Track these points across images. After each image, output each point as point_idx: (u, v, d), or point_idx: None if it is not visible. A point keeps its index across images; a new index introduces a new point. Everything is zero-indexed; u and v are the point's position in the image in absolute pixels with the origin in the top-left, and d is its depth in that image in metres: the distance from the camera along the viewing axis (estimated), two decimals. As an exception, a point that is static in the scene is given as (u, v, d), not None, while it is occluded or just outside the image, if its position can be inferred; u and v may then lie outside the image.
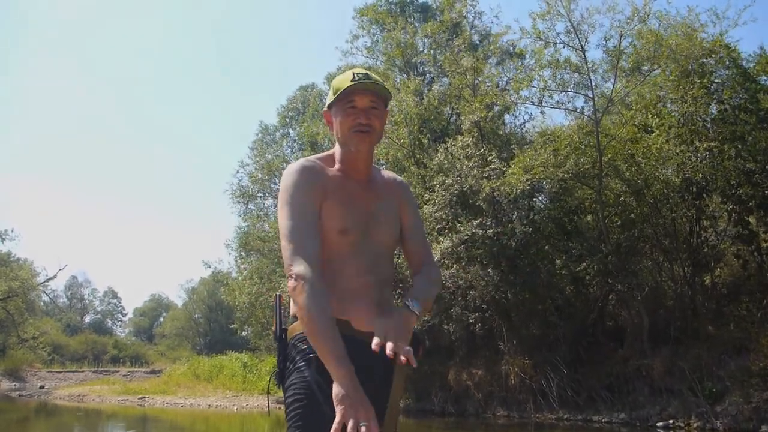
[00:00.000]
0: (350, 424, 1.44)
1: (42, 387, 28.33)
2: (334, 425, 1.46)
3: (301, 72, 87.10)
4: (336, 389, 1.51)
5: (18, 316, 33.37)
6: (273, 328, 1.83)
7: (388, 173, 2.05)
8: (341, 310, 1.74)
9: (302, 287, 1.62)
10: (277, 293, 1.85)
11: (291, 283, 1.64)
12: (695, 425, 9.89)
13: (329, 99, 1.88)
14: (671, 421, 10.26)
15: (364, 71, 1.85)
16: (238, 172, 26.73)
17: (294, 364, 1.71)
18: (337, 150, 1.91)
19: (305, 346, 1.71)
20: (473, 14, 20.16)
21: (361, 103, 1.82)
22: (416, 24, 21.12)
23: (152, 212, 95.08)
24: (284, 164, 23.00)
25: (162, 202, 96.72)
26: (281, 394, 1.77)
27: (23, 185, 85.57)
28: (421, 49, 20.51)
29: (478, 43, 19.58)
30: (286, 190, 1.78)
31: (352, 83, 1.80)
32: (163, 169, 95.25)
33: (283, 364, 1.76)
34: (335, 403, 1.49)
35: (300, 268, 1.64)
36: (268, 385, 1.81)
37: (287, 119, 27.45)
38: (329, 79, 24.43)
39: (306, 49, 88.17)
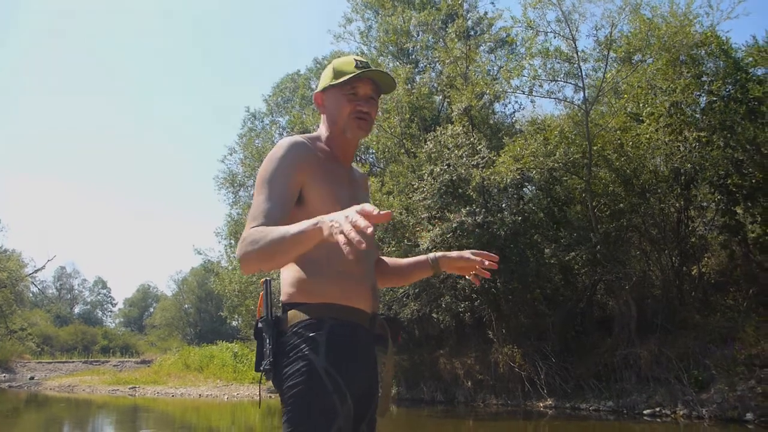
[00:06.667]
0: (353, 212, 1.33)
1: (32, 378, 28.22)
2: (335, 225, 1.34)
3: (288, 58, 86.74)
4: (318, 221, 1.41)
5: (6, 307, 33.21)
6: (259, 315, 1.76)
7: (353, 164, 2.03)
8: (345, 295, 1.73)
9: (250, 230, 1.58)
10: (266, 278, 1.78)
11: (242, 235, 1.59)
12: (681, 413, 9.99)
13: (326, 81, 1.84)
14: (658, 409, 10.35)
15: (363, 59, 1.82)
16: (225, 158, 26.65)
17: (296, 353, 1.65)
18: (323, 134, 1.87)
19: (312, 334, 1.66)
20: (471, 3, 20.00)
21: (363, 91, 1.81)
22: (412, 9, 20.80)
23: (141, 202, 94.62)
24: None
25: (151, 191, 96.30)
26: (271, 383, 1.70)
27: (10, 177, 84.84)
28: (415, 35, 20.34)
29: (472, 30, 19.36)
30: (270, 163, 1.72)
31: (359, 71, 1.77)
32: (152, 159, 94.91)
33: (274, 352, 1.68)
34: (326, 226, 1.38)
35: (255, 223, 1.61)
36: (261, 376, 1.74)
37: (275, 106, 27.27)
38: (319, 64, 24.26)
39: (293, 35, 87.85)
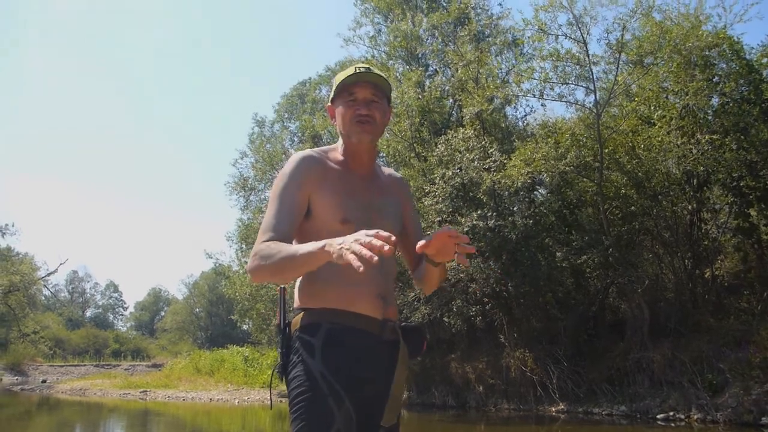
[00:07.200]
0: (363, 235, 1.43)
1: (44, 381, 28.42)
2: (347, 250, 1.42)
3: (288, 57, 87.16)
4: (326, 244, 1.51)
5: (19, 310, 33.50)
6: (277, 321, 1.84)
7: (387, 170, 2.07)
8: (345, 300, 1.75)
9: (261, 244, 1.69)
10: (282, 286, 1.85)
11: (254, 248, 1.69)
12: (695, 417, 9.90)
13: (332, 94, 1.91)
14: (672, 414, 10.26)
15: (366, 65, 1.87)
16: (236, 162, 26.73)
17: (298, 356, 1.72)
18: (339, 143, 1.93)
19: (309, 338, 1.72)
20: (481, 6, 19.95)
21: (362, 95, 1.84)
22: (421, 13, 20.72)
23: (152, 206, 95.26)
24: (284, 156, 22.96)
25: (162, 195, 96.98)
26: (284, 387, 1.77)
27: (23, 181, 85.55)
28: (426, 39, 20.28)
29: (482, 33, 19.27)
30: (281, 179, 1.82)
31: (352, 75, 1.83)
32: (164, 163, 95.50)
33: (286, 356, 1.76)
34: (334, 248, 1.47)
35: (266, 236, 1.70)
36: (271, 379, 1.83)
37: (285, 113, 27.34)
38: (330, 70, 24.40)
39: (293, 35, 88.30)
